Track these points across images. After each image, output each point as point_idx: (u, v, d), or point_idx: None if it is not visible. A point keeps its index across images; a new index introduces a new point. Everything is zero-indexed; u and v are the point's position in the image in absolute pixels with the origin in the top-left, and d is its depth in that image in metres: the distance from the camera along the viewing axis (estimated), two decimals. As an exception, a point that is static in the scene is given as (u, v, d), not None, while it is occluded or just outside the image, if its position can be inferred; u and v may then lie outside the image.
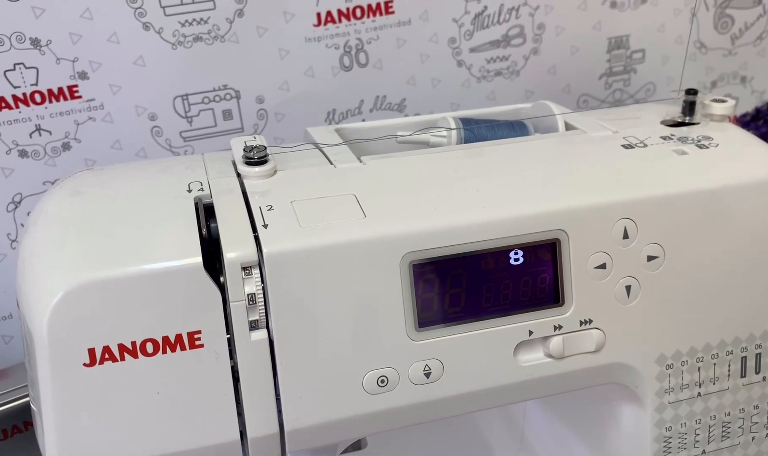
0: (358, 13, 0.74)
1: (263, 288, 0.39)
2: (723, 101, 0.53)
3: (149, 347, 0.38)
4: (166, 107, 0.72)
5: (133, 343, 0.38)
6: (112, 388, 0.38)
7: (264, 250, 0.39)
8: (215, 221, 0.41)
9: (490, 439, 0.66)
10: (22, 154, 0.69)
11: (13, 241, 0.72)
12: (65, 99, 0.69)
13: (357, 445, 0.67)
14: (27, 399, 0.65)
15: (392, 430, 0.43)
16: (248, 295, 0.39)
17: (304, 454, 0.44)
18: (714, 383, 0.48)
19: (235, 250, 0.39)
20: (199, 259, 0.38)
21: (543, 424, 0.62)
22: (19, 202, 0.71)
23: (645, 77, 0.87)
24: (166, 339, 0.38)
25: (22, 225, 0.72)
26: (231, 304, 0.39)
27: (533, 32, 0.81)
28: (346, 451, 0.65)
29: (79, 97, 0.70)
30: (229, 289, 0.39)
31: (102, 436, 0.38)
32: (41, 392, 0.38)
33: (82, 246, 0.40)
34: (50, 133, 0.70)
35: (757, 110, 0.79)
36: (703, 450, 0.49)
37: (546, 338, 0.44)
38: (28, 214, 0.70)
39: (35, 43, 0.67)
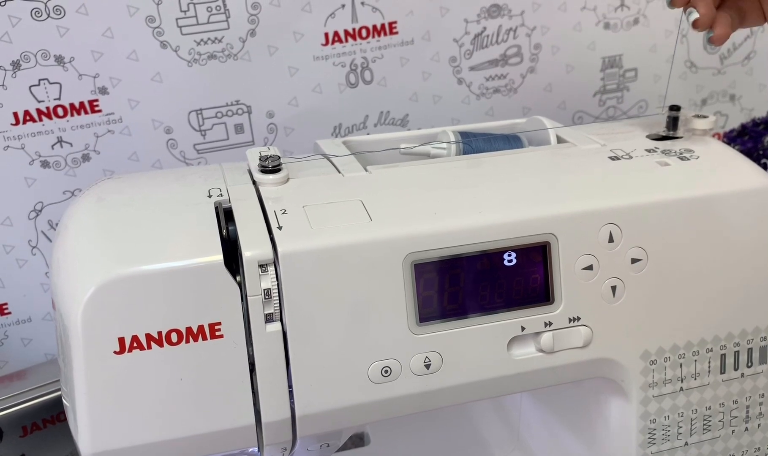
0: (364, 33, 0.77)
1: (278, 284, 0.42)
2: (704, 117, 0.56)
3: (173, 337, 0.41)
4: (181, 121, 0.75)
5: (159, 333, 0.41)
6: (139, 374, 0.41)
7: (279, 249, 0.42)
8: (234, 224, 0.44)
9: (488, 437, 0.69)
10: (44, 164, 0.72)
11: (34, 247, 0.75)
12: (86, 113, 0.72)
13: (360, 442, 0.69)
14: (45, 398, 0.67)
15: (395, 417, 0.46)
16: (264, 290, 0.42)
17: (310, 440, 0.47)
18: (695, 379, 0.51)
19: (252, 249, 0.42)
20: (220, 256, 0.41)
21: (537, 420, 0.64)
22: (41, 211, 0.74)
23: (637, 95, 0.90)
24: (189, 329, 0.41)
25: (43, 232, 0.75)
26: (248, 298, 0.42)
27: (530, 52, 0.84)
28: (350, 447, 0.69)
29: (99, 110, 0.72)
30: (247, 284, 0.42)
31: (129, 418, 0.41)
32: (75, 378, 0.41)
33: (112, 246, 0.42)
34: (71, 144, 0.73)
35: (743, 126, 0.82)
36: (686, 442, 0.52)
37: (537, 334, 0.47)
38: (49, 222, 0.75)
39: (59, 60, 0.70)
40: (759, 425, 0.54)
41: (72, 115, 0.72)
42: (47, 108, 0.71)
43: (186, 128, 0.76)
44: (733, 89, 0.93)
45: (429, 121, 0.83)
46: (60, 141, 0.73)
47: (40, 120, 0.71)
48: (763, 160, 0.81)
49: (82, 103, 0.72)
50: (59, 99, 0.71)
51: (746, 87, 0.94)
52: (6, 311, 0.76)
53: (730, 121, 0.94)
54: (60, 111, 0.72)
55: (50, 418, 0.67)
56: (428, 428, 0.69)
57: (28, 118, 0.71)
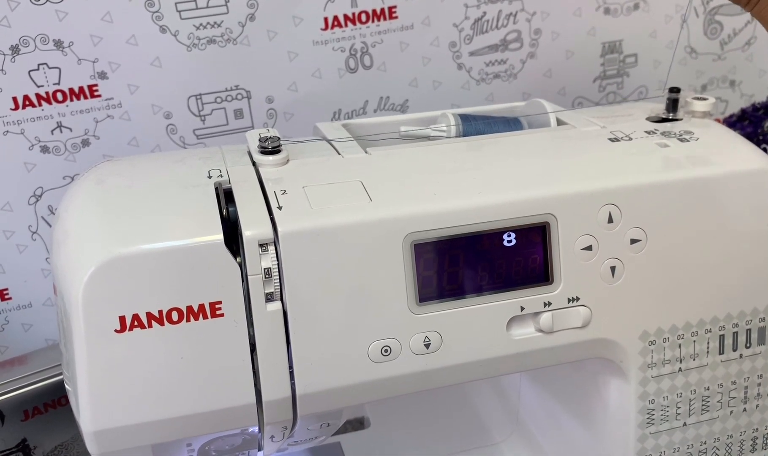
0: (363, 17, 0.77)
1: (278, 263, 0.42)
2: (704, 99, 0.56)
3: (174, 316, 0.41)
4: (180, 106, 0.75)
5: (160, 312, 0.41)
6: (140, 353, 0.41)
7: (279, 229, 0.42)
8: (234, 205, 0.44)
9: (487, 420, 0.69)
10: (44, 149, 0.73)
11: (34, 233, 0.75)
12: (85, 98, 0.72)
13: (360, 426, 0.70)
14: (47, 382, 0.67)
15: (395, 397, 0.46)
16: (264, 269, 0.42)
17: (311, 420, 0.48)
18: (694, 359, 0.51)
19: (253, 228, 0.42)
20: (221, 236, 0.41)
21: (537, 403, 0.65)
22: (41, 196, 0.74)
23: (637, 80, 0.90)
24: (189, 308, 0.41)
25: (43, 218, 0.75)
26: (249, 277, 0.42)
27: (530, 37, 0.83)
28: (350, 430, 0.69)
29: (99, 95, 0.72)
30: (247, 263, 0.42)
31: (130, 396, 0.41)
32: (76, 358, 0.41)
33: (112, 226, 0.42)
34: (71, 130, 0.73)
35: (743, 111, 0.82)
36: (684, 422, 0.53)
37: (536, 314, 0.47)
38: (49, 207, 0.75)
39: (58, 44, 0.70)
40: (757, 406, 0.54)
41: (71, 100, 0.72)
42: (47, 93, 0.71)
43: (185, 113, 0.76)
44: (733, 75, 0.93)
45: (429, 107, 0.81)
46: (60, 126, 0.73)
47: (40, 105, 0.71)
48: (763, 145, 0.81)
49: (81, 88, 0.72)
50: (58, 84, 0.71)
51: (746, 73, 0.93)
52: (6, 297, 0.77)
53: (730, 107, 0.94)
54: (59, 96, 0.72)
55: (51, 403, 0.68)
56: (428, 411, 0.69)
57: (27, 103, 0.71)
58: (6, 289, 0.76)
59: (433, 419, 0.69)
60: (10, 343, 0.78)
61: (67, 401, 0.46)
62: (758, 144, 0.81)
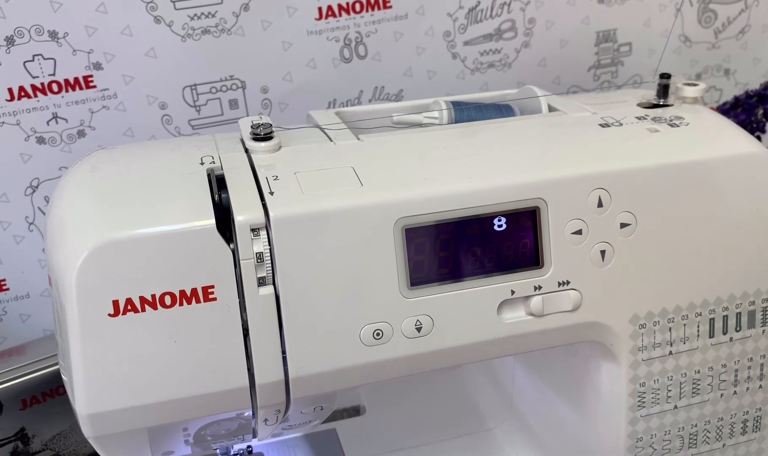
0: (358, 7, 0.77)
1: (270, 248, 0.43)
2: (694, 85, 0.56)
3: (167, 300, 0.41)
4: (175, 96, 0.75)
5: (153, 296, 0.41)
6: (133, 336, 0.41)
7: (270, 214, 0.42)
8: (226, 192, 0.44)
9: (481, 406, 0.70)
10: (40, 140, 0.73)
11: (31, 223, 0.76)
12: (81, 88, 0.72)
13: (356, 412, 0.70)
14: (44, 372, 0.68)
15: (388, 381, 0.47)
16: (257, 253, 0.42)
17: (304, 403, 0.48)
18: (684, 343, 0.52)
19: (244, 213, 0.42)
20: (213, 221, 0.42)
21: (530, 389, 0.65)
22: (37, 187, 0.74)
23: (632, 69, 0.90)
24: (182, 293, 0.41)
25: (40, 208, 0.75)
26: (241, 261, 0.42)
27: (524, 26, 0.84)
28: (345, 417, 0.69)
29: (94, 86, 0.73)
30: (240, 248, 0.42)
31: (124, 381, 0.42)
32: (71, 342, 0.41)
33: (106, 212, 0.43)
34: (66, 120, 0.73)
35: (736, 99, 0.82)
36: (675, 405, 0.53)
37: (527, 298, 0.47)
38: (45, 198, 0.75)
39: (53, 35, 0.70)
40: (747, 389, 0.54)
41: (67, 90, 0.72)
42: (42, 84, 0.71)
43: (180, 104, 0.76)
44: (727, 63, 0.93)
45: (423, 97, 0.80)
46: (55, 117, 0.73)
47: (35, 96, 0.71)
48: (757, 133, 0.82)
49: (76, 79, 0.72)
50: (54, 75, 0.71)
51: (741, 61, 0.93)
52: (4, 287, 0.77)
53: (724, 95, 0.94)
54: (55, 87, 0.72)
55: (49, 392, 0.68)
56: (423, 398, 0.70)
57: (22, 94, 0.71)
58: (3, 280, 0.77)
59: (428, 406, 0.69)
60: (7, 334, 0.79)
61: (65, 390, 0.47)
62: (752, 132, 0.82)
